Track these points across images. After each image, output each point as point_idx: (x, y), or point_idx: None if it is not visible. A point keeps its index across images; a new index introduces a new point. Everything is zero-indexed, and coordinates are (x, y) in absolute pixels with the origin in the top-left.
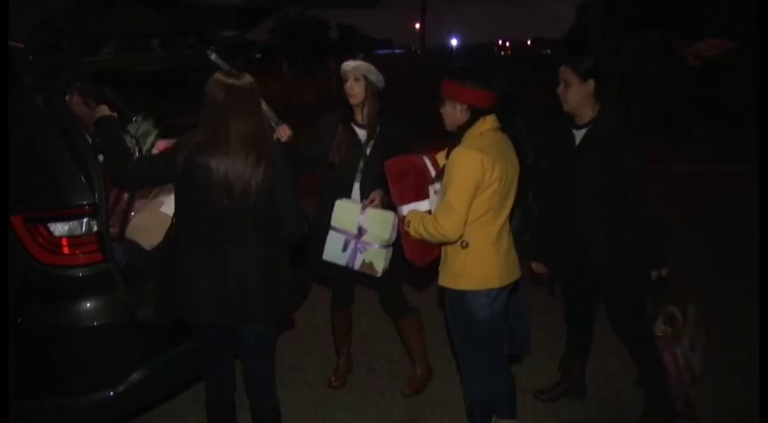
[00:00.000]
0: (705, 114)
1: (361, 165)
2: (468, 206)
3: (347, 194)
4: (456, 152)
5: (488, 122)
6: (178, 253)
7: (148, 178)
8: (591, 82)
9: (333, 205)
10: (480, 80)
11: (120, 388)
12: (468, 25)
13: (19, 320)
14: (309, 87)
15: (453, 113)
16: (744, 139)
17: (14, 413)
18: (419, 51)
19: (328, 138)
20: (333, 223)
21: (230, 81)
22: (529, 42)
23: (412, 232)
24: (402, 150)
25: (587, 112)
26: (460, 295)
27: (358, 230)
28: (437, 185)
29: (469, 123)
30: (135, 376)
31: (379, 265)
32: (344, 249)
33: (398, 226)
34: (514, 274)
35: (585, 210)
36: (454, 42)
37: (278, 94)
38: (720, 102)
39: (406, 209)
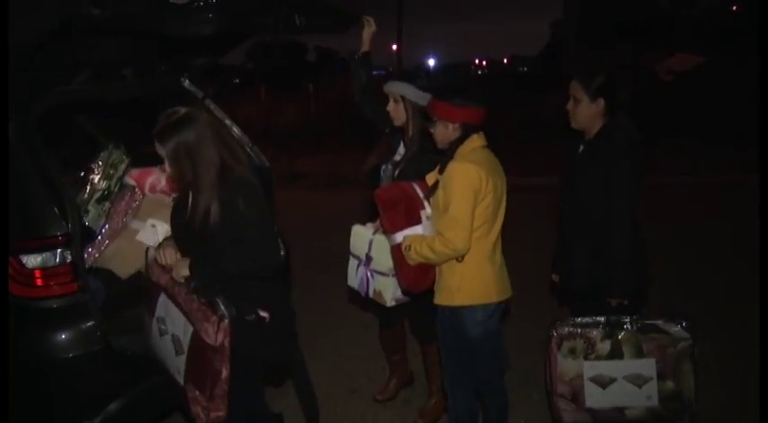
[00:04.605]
0: (680, 127)
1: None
2: (471, 217)
3: (377, 214)
4: (453, 167)
5: (480, 139)
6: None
7: None
8: (601, 101)
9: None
10: (469, 97)
11: (98, 419)
12: (445, 45)
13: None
14: (287, 110)
15: (446, 133)
16: (719, 149)
17: None
18: (396, 72)
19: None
20: (350, 249)
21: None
22: (506, 60)
23: (413, 255)
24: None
25: (595, 128)
26: (456, 312)
27: (366, 257)
28: (428, 210)
29: (461, 140)
30: (113, 407)
31: (387, 295)
32: (356, 276)
33: (395, 254)
34: (508, 291)
35: (573, 226)
36: (432, 62)
37: (255, 117)
38: (694, 114)
39: (399, 236)
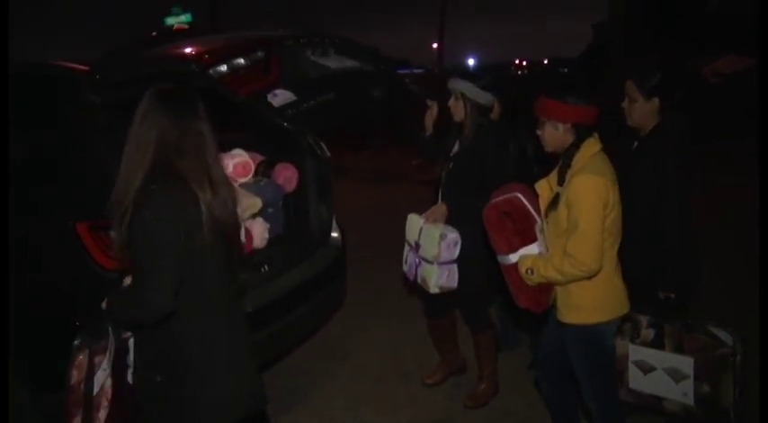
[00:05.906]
0: (724, 129)
1: (444, 176)
2: (602, 233)
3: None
4: (579, 182)
5: (597, 143)
6: (207, 331)
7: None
8: (656, 100)
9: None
10: (581, 95)
11: None
12: (486, 44)
13: (78, 324)
14: None
15: (555, 134)
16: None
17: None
18: (436, 71)
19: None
20: (406, 235)
21: None
22: (546, 61)
23: (537, 279)
24: (480, 169)
25: (649, 126)
26: (594, 329)
27: (415, 244)
28: (539, 223)
29: (577, 144)
30: None
31: (431, 282)
32: (406, 261)
33: (510, 274)
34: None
35: (624, 221)
36: (471, 61)
37: None
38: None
39: (515, 256)
